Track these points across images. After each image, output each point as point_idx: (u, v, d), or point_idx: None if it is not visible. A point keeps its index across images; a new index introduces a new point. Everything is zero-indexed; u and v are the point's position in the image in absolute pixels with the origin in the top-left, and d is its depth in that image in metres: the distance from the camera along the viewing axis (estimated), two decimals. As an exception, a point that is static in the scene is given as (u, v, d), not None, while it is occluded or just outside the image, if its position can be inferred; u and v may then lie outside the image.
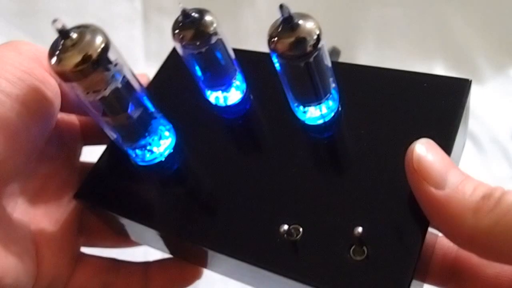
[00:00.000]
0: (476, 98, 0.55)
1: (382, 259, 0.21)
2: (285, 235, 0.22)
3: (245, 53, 0.29)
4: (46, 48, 0.22)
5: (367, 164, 0.24)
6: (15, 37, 0.63)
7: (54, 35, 0.21)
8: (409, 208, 0.22)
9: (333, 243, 0.22)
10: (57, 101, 0.26)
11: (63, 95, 0.26)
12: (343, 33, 0.60)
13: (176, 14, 0.25)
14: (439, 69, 0.58)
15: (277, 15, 0.22)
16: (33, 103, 0.24)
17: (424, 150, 0.20)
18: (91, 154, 0.32)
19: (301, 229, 0.23)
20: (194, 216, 0.25)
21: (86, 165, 0.31)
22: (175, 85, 0.31)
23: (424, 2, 0.60)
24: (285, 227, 0.22)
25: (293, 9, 0.22)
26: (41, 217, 0.28)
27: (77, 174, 0.30)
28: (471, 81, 0.25)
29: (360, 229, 0.21)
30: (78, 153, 0.31)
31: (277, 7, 0.21)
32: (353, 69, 0.28)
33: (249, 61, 0.29)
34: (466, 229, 0.18)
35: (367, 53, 0.60)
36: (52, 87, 0.25)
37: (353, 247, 0.22)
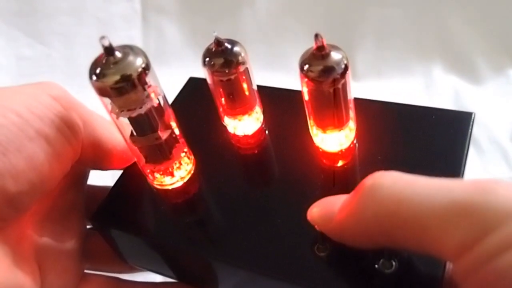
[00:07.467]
0: (475, 98, 0.55)
1: (411, 270, 0.22)
2: (316, 249, 0.23)
3: (262, 88, 0.30)
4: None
5: None
6: (15, 37, 0.64)
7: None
8: None
9: (362, 256, 0.23)
10: (79, 149, 0.27)
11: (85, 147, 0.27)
12: (342, 33, 0.60)
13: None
14: (438, 70, 0.58)
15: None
16: (59, 145, 0.25)
17: (314, 211, 0.23)
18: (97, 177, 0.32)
19: (328, 246, 0.24)
20: (214, 235, 0.26)
21: (92, 188, 0.32)
22: (192, 113, 0.32)
23: (423, 2, 0.60)
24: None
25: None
26: (47, 238, 0.28)
27: (84, 197, 0.30)
28: (474, 114, 0.27)
29: None
30: (86, 177, 0.32)
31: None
32: (365, 103, 0.29)
33: (265, 95, 0.30)
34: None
35: (366, 53, 0.60)
36: (78, 135, 0.26)
37: (381, 261, 0.22)
